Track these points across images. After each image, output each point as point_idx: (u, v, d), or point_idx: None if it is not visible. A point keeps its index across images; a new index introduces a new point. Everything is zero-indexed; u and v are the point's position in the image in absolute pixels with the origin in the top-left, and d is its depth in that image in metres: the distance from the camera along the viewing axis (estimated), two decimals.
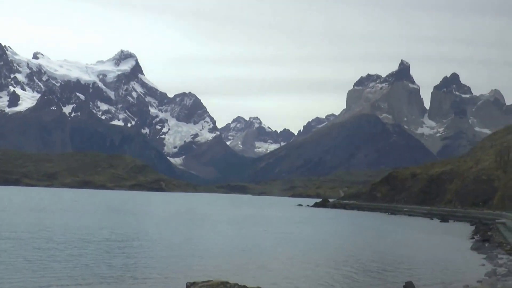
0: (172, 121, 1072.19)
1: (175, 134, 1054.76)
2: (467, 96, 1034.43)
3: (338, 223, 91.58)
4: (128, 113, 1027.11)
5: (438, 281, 30.33)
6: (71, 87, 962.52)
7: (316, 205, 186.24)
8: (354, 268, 34.33)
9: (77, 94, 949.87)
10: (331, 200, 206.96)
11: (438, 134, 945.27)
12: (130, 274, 28.86)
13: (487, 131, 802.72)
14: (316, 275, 30.74)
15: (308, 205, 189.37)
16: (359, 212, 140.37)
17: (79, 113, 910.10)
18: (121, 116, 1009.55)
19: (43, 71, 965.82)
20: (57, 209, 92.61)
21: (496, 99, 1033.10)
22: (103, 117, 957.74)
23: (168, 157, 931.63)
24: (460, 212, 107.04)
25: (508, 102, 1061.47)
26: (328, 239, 56.87)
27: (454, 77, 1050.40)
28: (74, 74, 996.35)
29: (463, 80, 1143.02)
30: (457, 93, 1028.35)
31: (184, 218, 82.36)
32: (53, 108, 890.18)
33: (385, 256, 41.36)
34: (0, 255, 32.62)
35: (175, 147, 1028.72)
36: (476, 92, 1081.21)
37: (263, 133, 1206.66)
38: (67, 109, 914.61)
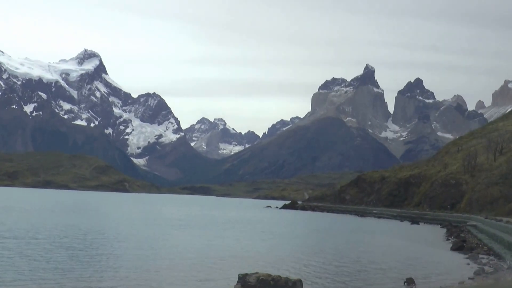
0: (136, 122, 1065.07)
1: (139, 134, 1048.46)
2: (431, 101, 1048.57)
3: (320, 224, 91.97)
4: (91, 113, 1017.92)
5: (432, 278, 31.18)
6: (33, 85, 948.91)
7: (285, 207, 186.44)
8: (361, 265, 35.38)
9: (39, 93, 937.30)
10: (299, 202, 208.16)
11: (402, 138, 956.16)
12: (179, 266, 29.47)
13: (449, 136, 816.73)
14: (326, 270, 31.66)
15: (277, 207, 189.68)
16: (329, 214, 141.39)
17: (41, 112, 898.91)
18: (84, 116, 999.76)
19: (3, 69, 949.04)
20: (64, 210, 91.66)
21: (458, 104, 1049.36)
22: (65, 117, 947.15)
23: (132, 158, 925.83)
24: (429, 215, 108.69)
25: (470, 108, 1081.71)
26: (320, 239, 57.78)
27: (418, 82, 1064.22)
28: (36, 72, 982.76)
29: (427, 85, 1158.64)
30: (420, 98, 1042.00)
31: (173, 221, 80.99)
32: (14, 106, 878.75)
33: (376, 255, 42.14)
34: None
35: (138, 148, 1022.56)
36: (439, 97, 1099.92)
37: (228, 135, 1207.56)
38: (28, 108, 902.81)
